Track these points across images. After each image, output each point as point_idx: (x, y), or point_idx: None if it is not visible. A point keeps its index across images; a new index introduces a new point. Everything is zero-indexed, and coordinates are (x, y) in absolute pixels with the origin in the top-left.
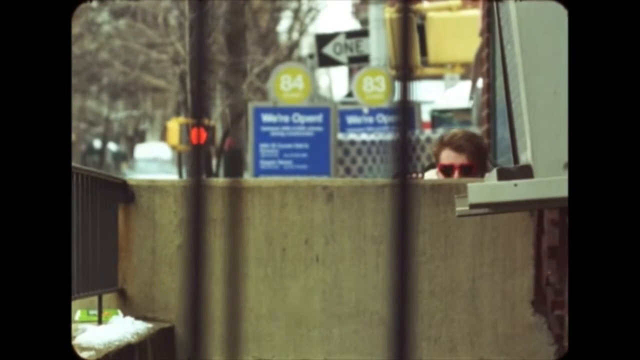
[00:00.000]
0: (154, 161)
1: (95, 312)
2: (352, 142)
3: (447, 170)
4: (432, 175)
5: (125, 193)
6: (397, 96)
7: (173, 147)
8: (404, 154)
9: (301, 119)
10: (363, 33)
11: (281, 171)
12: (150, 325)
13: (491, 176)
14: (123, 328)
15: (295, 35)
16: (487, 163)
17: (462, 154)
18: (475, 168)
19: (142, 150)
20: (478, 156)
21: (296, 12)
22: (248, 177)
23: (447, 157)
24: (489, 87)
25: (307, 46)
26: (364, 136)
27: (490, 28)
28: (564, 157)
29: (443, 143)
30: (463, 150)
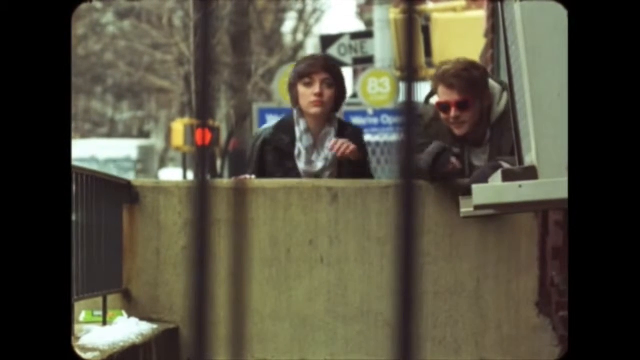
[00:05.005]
0: (92, 161)
1: (100, 312)
2: None
3: (444, 107)
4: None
5: (129, 194)
6: (401, 97)
7: (177, 148)
8: (409, 155)
9: None
10: (368, 34)
11: None
12: (154, 326)
13: (496, 177)
14: (128, 329)
15: (299, 36)
16: (484, 91)
17: (454, 91)
18: (470, 100)
19: (75, 149)
20: (470, 89)
21: (301, 13)
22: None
23: (442, 93)
24: None
25: (311, 47)
26: (369, 137)
27: (495, 29)
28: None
29: (437, 78)
30: (454, 87)
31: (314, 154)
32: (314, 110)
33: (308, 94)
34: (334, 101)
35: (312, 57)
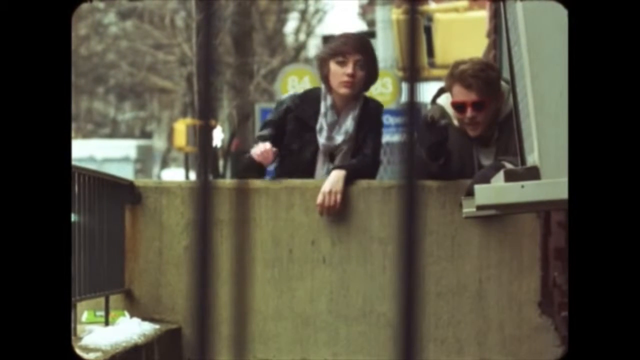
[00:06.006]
0: (91, 160)
1: (102, 313)
2: None
3: (459, 107)
4: (444, 101)
5: (132, 194)
6: (404, 97)
7: (180, 149)
8: (411, 155)
9: None
10: (370, 34)
11: None
12: (157, 326)
13: (498, 178)
14: (130, 329)
15: (302, 36)
16: (499, 92)
17: (472, 91)
18: (487, 101)
19: (74, 149)
20: (488, 90)
21: (303, 14)
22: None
23: (458, 93)
24: None
25: (313, 47)
26: None
27: (498, 29)
28: None
29: (453, 77)
30: (472, 88)
31: (335, 130)
32: (344, 90)
33: (340, 74)
34: (365, 83)
35: (347, 36)
